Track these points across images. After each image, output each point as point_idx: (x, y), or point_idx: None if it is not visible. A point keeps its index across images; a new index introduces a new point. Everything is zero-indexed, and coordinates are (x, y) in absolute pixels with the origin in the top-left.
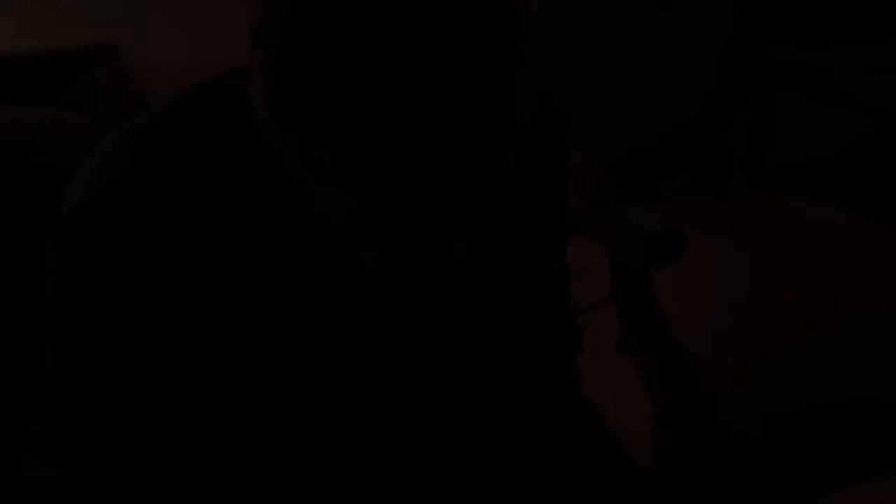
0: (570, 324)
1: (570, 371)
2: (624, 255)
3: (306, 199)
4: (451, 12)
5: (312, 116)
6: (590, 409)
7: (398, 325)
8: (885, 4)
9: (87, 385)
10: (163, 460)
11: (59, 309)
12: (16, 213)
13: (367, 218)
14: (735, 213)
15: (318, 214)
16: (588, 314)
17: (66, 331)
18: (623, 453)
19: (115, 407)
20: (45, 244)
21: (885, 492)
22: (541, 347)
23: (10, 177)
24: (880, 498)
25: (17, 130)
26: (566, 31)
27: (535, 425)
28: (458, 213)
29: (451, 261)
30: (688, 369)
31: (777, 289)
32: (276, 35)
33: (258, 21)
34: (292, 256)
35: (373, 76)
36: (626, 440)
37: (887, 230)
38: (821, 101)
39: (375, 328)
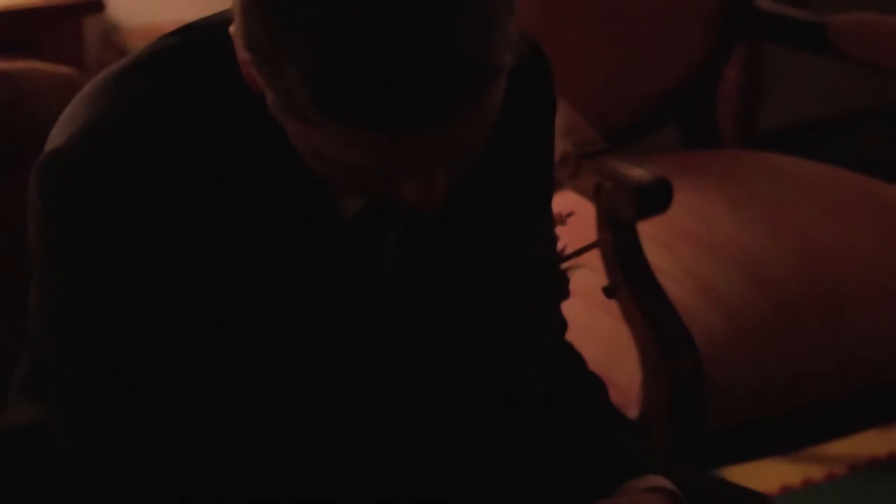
0: (557, 270)
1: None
2: (612, 205)
3: (287, 140)
4: None
5: (285, 54)
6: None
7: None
8: None
9: (70, 324)
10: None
11: (43, 249)
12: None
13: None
14: (723, 166)
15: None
16: (573, 258)
17: (49, 270)
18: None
19: (99, 347)
20: (29, 186)
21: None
22: (529, 291)
23: None
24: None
25: (4, 81)
26: None
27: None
28: None
29: None
30: (674, 318)
31: (767, 241)
32: None
33: None
34: (276, 198)
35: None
36: (612, 389)
37: (877, 182)
38: (812, 53)
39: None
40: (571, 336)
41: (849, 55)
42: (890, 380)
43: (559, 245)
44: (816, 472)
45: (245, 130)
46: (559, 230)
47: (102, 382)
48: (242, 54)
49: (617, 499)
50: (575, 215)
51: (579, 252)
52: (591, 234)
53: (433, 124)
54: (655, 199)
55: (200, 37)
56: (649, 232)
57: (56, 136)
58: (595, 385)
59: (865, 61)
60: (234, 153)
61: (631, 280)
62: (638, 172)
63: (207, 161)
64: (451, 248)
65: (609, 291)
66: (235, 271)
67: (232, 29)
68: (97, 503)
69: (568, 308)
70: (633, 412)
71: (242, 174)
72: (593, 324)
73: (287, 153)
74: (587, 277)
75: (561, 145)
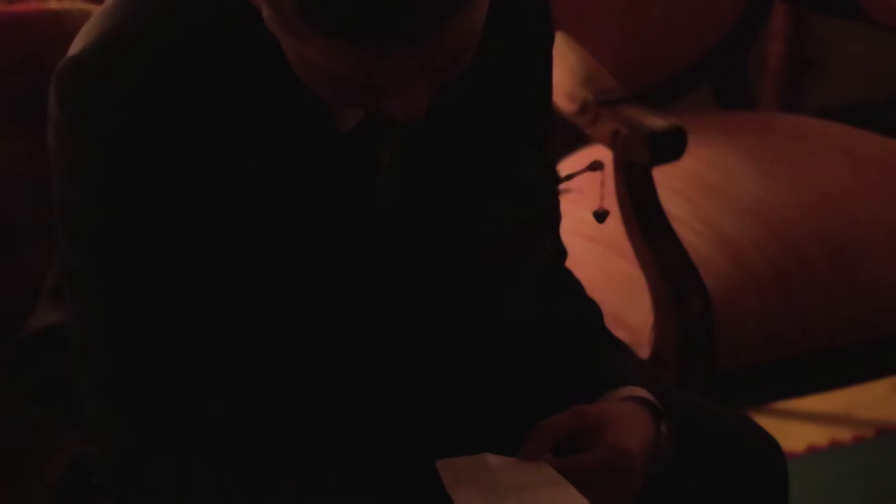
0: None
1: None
2: (627, 151)
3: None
4: None
5: None
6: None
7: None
8: None
9: (84, 221)
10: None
11: (59, 151)
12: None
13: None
14: (750, 126)
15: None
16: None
17: (64, 171)
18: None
19: (113, 244)
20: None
21: None
22: (520, 207)
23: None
24: None
25: (52, 20)
26: None
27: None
28: None
29: None
30: (686, 263)
31: (784, 195)
32: None
33: None
34: (275, 112)
35: None
36: (626, 331)
37: None
38: (843, 20)
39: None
40: (589, 279)
41: (879, 21)
42: (892, 331)
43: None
44: (843, 434)
45: (248, 47)
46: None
47: (114, 278)
48: None
49: (594, 405)
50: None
51: (572, 176)
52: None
53: (412, 36)
54: (669, 145)
55: None
56: (670, 183)
57: (74, 47)
58: (590, 308)
59: (893, 26)
60: (236, 68)
61: (645, 225)
62: (653, 120)
63: (212, 74)
64: (444, 167)
65: (599, 216)
66: (237, 181)
67: None
68: (113, 396)
69: (587, 253)
70: (644, 353)
71: (244, 88)
72: (610, 268)
73: (286, 69)
74: (607, 225)
75: (580, 94)
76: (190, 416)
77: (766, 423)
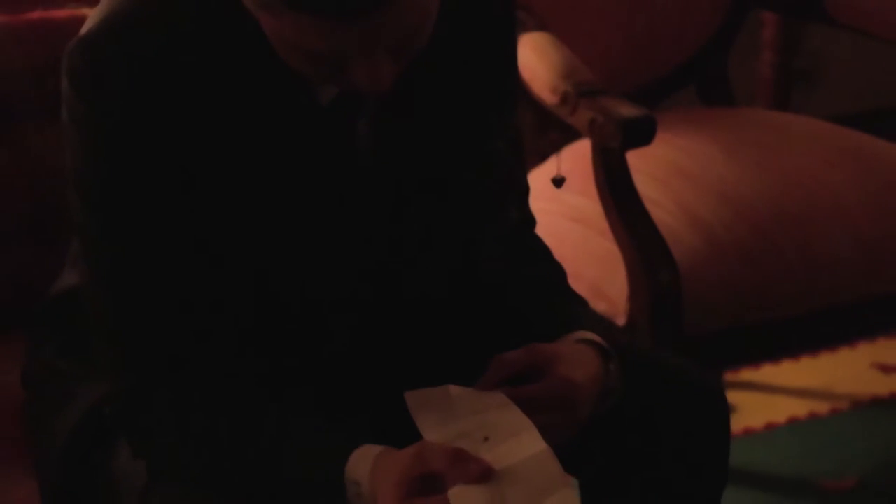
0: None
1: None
2: (602, 137)
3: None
4: None
5: None
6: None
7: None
8: None
9: (91, 183)
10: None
11: (70, 124)
12: None
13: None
14: (727, 120)
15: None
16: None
17: (75, 141)
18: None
19: (118, 205)
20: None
21: None
22: (487, 174)
23: None
24: None
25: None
26: None
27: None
28: None
29: None
30: (656, 238)
31: (751, 179)
32: None
33: None
34: (260, 87)
35: None
36: (605, 301)
37: (868, 136)
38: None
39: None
40: (573, 255)
41: (843, 22)
42: (850, 301)
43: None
44: (821, 407)
45: (237, 29)
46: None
47: (121, 233)
48: None
49: (548, 344)
50: None
51: None
52: None
53: (367, 10)
54: (640, 131)
55: None
56: (647, 169)
57: (84, 28)
58: (553, 269)
59: (857, 28)
60: (227, 48)
61: (619, 204)
62: (626, 108)
63: (205, 53)
64: (415, 137)
65: (556, 182)
66: (229, 149)
67: None
68: (120, 340)
69: (572, 232)
70: (621, 320)
71: (235, 66)
72: (592, 246)
73: (270, 49)
74: (590, 208)
75: (561, 87)
76: (186, 355)
77: (749, 396)
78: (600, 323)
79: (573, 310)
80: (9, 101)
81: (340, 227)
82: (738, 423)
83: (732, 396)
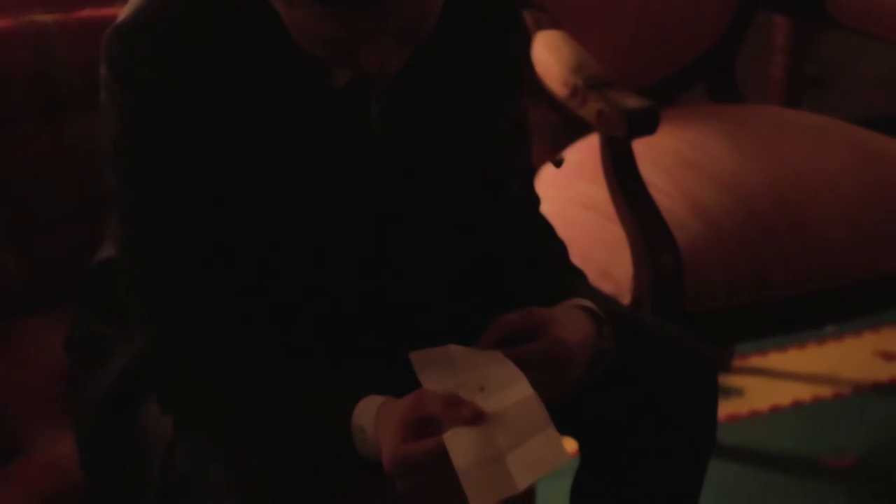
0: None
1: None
2: (609, 127)
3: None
4: None
5: None
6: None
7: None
8: None
9: (129, 162)
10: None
11: (108, 107)
12: None
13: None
14: (733, 114)
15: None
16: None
17: (112, 123)
18: (566, 256)
19: (151, 179)
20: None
21: None
22: (490, 156)
23: None
24: None
25: None
26: None
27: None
28: None
29: None
30: (659, 223)
31: (752, 169)
32: None
33: None
34: (279, 72)
35: None
36: (612, 282)
37: (868, 132)
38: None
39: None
40: (584, 240)
41: (843, 23)
42: (844, 284)
43: None
44: (825, 392)
45: (259, 18)
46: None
47: (153, 203)
48: None
49: (544, 308)
50: None
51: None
52: None
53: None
54: (644, 121)
55: None
56: (654, 159)
57: (120, 17)
58: (556, 243)
59: (860, 30)
60: (250, 35)
61: (625, 190)
62: (631, 100)
63: (229, 38)
64: (423, 118)
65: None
66: (251, 128)
67: None
68: (150, 301)
69: (582, 218)
70: (626, 299)
71: (256, 51)
72: (600, 230)
73: (289, 36)
74: (599, 195)
75: (571, 80)
76: (208, 317)
77: (756, 381)
78: (595, 293)
79: (571, 280)
80: (57, 93)
81: (353, 200)
82: (743, 407)
83: (740, 381)
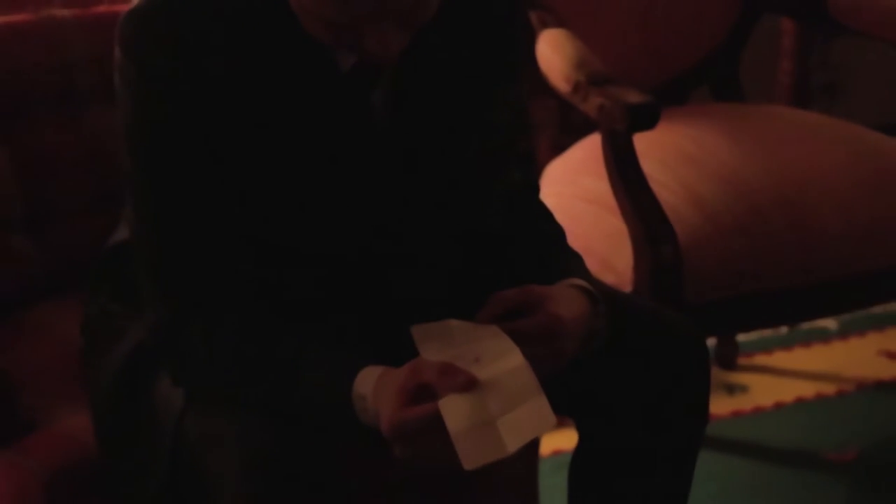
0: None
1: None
2: (610, 121)
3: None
4: None
5: None
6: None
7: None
8: None
9: (140, 141)
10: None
11: (122, 88)
12: None
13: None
14: (736, 113)
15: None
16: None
17: (126, 104)
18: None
19: (162, 159)
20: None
21: None
22: (491, 140)
23: None
24: None
25: None
26: None
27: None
28: None
29: None
30: (659, 215)
31: (751, 165)
32: None
33: None
34: (288, 55)
35: None
36: (613, 273)
37: (864, 129)
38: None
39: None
40: (587, 232)
41: (846, 25)
42: (841, 277)
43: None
44: (828, 389)
45: (267, 4)
46: None
47: (163, 181)
48: None
49: (540, 286)
50: None
51: None
52: None
53: None
54: (644, 115)
55: None
56: (655, 154)
57: (133, 3)
58: (553, 227)
59: (860, 30)
60: (259, 19)
61: (626, 183)
62: (632, 95)
63: (238, 22)
64: (426, 103)
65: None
66: (258, 110)
67: None
68: (159, 277)
69: (585, 212)
70: (627, 289)
71: (265, 35)
72: (603, 223)
73: (297, 21)
74: (602, 189)
75: (574, 76)
76: (218, 289)
77: (761, 378)
78: (591, 274)
79: (568, 262)
80: (77, 88)
81: (356, 183)
82: (748, 403)
83: (745, 378)
